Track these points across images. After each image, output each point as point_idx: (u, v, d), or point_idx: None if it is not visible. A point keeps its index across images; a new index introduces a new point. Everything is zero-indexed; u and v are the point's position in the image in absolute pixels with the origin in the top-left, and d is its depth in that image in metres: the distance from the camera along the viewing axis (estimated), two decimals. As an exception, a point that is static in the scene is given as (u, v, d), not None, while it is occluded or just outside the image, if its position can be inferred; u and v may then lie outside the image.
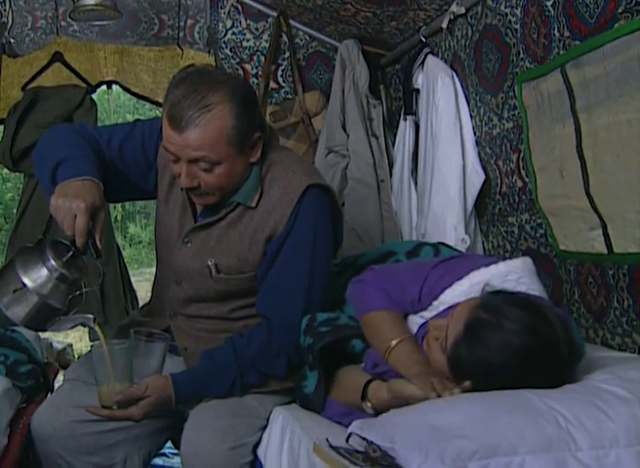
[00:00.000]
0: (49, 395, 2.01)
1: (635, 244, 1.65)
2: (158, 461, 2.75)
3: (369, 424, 1.25)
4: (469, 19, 2.29)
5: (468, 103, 2.37)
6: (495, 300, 1.36)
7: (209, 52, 2.95)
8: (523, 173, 2.11)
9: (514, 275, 1.54)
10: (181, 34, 2.95)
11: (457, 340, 1.33)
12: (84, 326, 1.68)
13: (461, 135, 2.36)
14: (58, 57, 2.88)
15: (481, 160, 2.34)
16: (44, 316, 1.55)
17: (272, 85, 3.06)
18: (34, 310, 1.52)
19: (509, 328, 1.28)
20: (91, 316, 1.62)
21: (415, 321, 1.60)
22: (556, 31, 1.81)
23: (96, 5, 2.58)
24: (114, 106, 4.82)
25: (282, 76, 3.07)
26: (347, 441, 1.27)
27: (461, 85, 2.40)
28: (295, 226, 1.68)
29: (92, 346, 1.66)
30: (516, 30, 2.01)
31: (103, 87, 3.03)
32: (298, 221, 1.68)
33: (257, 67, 3.04)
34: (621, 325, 1.77)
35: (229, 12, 3.00)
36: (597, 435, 1.15)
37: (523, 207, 2.14)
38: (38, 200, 2.83)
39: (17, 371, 1.93)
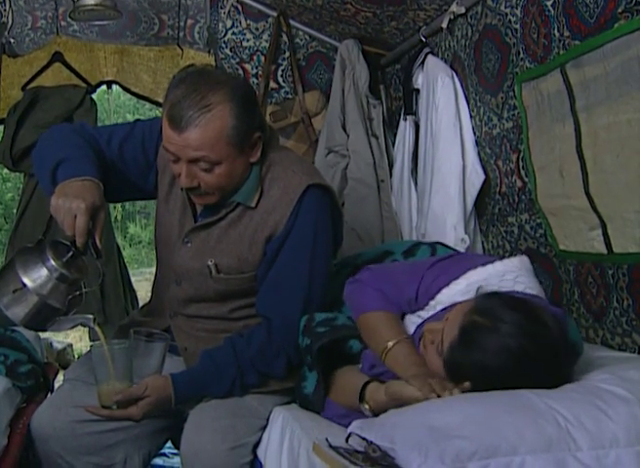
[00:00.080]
0: (49, 395, 2.01)
1: (635, 244, 1.65)
2: (158, 461, 2.75)
3: (369, 424, 1.25)
4: (469, 19, 2.29)
5: (468, 103, 2.37)
6: (489, 303, 1.35)
7: (209, 52, 2.95)
8: (523, 173, 2.10)
9: (511, 274, 1.54)
10: (181, 34, 2.95)
11: (452, 344, 1.32)
12: (84, 326, 1.68)
13: (461, 135, 2.36)
14: (58, 57, 2.88)
15: (481, 160, 2.34)
16: (44, 316, 1.55)
17: (272, 85, 3.06)
18: (34, 310, 1.53)
19: (505, 330, 1.28)
20: (91, 316, 1.62)
21: (412, 320, 1.60)
22: (556, 31, 1.81)
23: (96, 5, 2.58)
24: (114, 106, 4.82)
25: (282, 76, 3.07)
26: (347, 441, 1.26)
27: (461, 85, 2.40)
28: (295, 226, 1.68)
29: (92, 346, 1.65)
30: (516, 30, 2.01)
31: (103, 87, 3.03)
32: (298, 221, 1.68)
33: (257, 67, 3.04)
34: (621, 325, 1.77)
35: (229, 12, 3.00)
36: (597, 435, 1.15)
37: (523, 207, 2.14)
38: (38, 200, 2.83)
39: (17, 371, 1.92)
